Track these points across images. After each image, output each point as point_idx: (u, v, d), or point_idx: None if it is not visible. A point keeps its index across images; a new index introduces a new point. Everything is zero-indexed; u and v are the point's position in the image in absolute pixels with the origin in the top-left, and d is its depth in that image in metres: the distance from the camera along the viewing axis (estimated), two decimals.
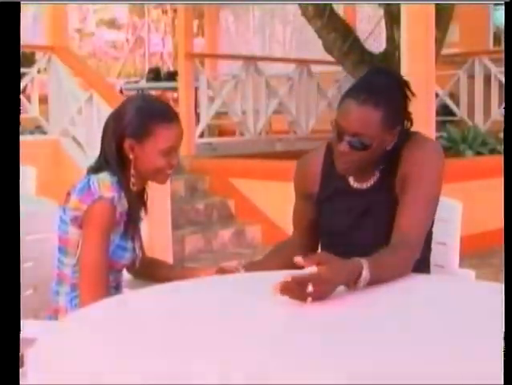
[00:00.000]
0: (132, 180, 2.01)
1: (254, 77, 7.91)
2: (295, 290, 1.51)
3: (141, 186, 2.09)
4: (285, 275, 1.53)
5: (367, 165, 1.98)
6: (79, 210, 1.94)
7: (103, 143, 2.05)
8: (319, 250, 2.15)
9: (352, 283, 1.63)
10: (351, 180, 2.04)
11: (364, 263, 1.64)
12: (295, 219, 2.23)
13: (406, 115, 1.99)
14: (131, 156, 2.00)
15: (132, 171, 2.01)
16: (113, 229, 1.97)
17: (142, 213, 2.14)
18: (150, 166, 2.01)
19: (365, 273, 1.63)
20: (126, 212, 2.01)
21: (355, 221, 2.02)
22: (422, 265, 1.95)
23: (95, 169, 2.01)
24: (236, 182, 6.27)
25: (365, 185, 2.02)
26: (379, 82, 1.96)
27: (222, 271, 2.06)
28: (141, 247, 2.17)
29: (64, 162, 5.92)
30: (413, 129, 2.05)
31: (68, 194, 2.00)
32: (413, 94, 1.99)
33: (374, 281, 1.66)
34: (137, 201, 2.08)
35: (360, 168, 1.98)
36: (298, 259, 1.57)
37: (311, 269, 1.56)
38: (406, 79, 2.01)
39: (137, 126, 1.99)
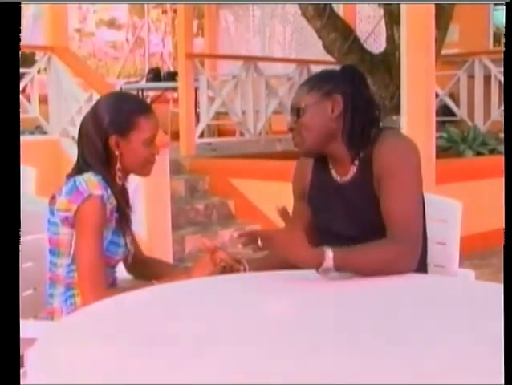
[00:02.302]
0: (119, 174, 2.05)
1: (254, 77, 7.90)
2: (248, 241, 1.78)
3: (124, 182, 2.12)
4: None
5: (324, 140, 2.02)
6: (70, 211, 1.95)
7: (81, 146, 2.08)
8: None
9: (315, 269, 1.74)
10: (333, 173, 2.08)
11: (329, 253, 1.73)
12: (294, 221, 2.23)
13: (364, 99, 2.04)
14: (116, 152, 2.03)
15: (119, 165, 2.04)
16: (105, 226, 1.99)
17: (129, 209, 2.16)
18: (136, 158, 2.06)
19: (326, 264, 1.73)
20: (115, 209, 2.02)
21: (339, 216, 2.05)
22: (419, 265, 1.95)
23: (77, 172, 2.03)
24: (236, 182, 6.27)
25: (344, 179, 2.05)
26: (328, 71, 2.17)
27: (225, 269, 2.06)
28: (134, 243, 2.19)
29: (64, 162, 5.90)
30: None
31: (53, 197, 2.01)
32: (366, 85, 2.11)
33: (344, 269, 1.75)
34: (122, 197, 2.10)
35: (312, 143, 2.03)
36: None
37: None
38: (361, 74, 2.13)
39: (119, 121, 2.03)
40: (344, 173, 2.05)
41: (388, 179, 1.93)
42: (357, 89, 2.04)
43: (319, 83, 2.05)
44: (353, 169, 2.03)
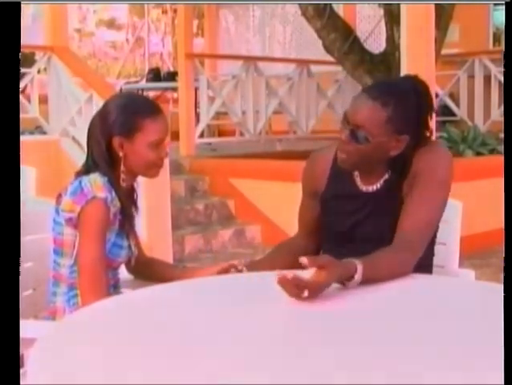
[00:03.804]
0: (122, 176, 2.03)
1: (254, 77, 7.90)
2: (292, 289, 1.56)
3: (130, 183, 2.11)
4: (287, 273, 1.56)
5: (370, 166, 1.98)
6: (74, 212, 1.95)
7: (89, 146, 2.07)
8: (322, 250, 2.16)
9: (344, 283, 1.66)
10: (358, 181, 2.03)
11: (358, 265, 1.66)
12: (300, 217, 2.22)
13: (423, 128, 1.98)
14: (120, 154, 2.02)
15: (122, 167, 2.03)
16: (108, 228, 1.98)
17: (134, 211, 2.15)
18: (141, 160, 2.04)
19: (357, 277, 1.66)
20: (119, 211, 2.02)
21: (357, 222, 2.02)
22: (424, 267, 1.95)
23: (84, 172, 2.02)
24: (236, 182, 6.27)
25: (371, 188, 2.02)
26: (401, 86, 1.96)
27: (224, 271, 2.06)
28: (137, 245, 2.18)
29: (64, 162, 5.91)
30: None
31: (59, 196, 2.01)
32: (434, 109, 1.99)
33: (368, 282, 1.68)
34: (128, 199, 2.09)
35: (359, 165, 1.98)
36: (303, 260, 1.60)
37: (311, 272, 1.60)
38: (431, 93, 1.99)
39: (124, 122, 2.01)
40: (371, 182, 2.01)
41: (416, 186, 1.91)
42: (424, 126, 1.97)
43: (398, 115, 1.89)
44: (383, 178, 2.00)
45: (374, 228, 2.00)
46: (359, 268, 1.65)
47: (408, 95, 1.93)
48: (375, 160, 1.96)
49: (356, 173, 2.04)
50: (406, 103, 1.92)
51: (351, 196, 2.04)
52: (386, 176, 2.00)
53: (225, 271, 2.06)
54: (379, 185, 2.01)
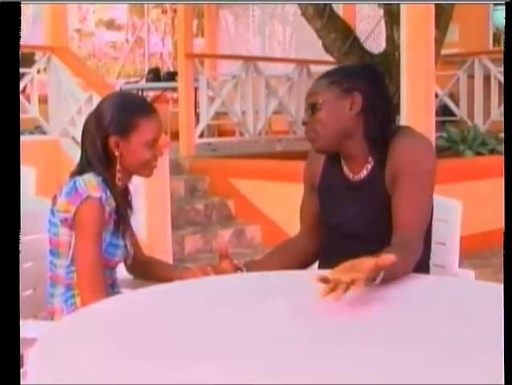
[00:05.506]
0: (118, 175, 2.04)
1: (254, 77, 7.90)
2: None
3: (125, 183, 2.11)
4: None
5: (339, 138, 1.99)
6: (69, 212, 1.95)
7: (84, 146, 2.08)
8: (322, 251, 2.16)
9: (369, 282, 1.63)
10: (346, 170, 2.06)
11: (381, 270, 1.63)
12: (302, 213, 2.25)
13: (385, 104, 2.02)
14: (116, 153, 2.02)
15: (118, 166, 2.03)
16: (104, 227, 1.98)
17: (129, 211, 2.15)
18: (137, 160, 2.04)
19: (378, 280, 1.63)
20: (114, 211, 2.02)
21: (349, 214, 2.03)
22: (422, 266, 1.95)
23: (79, 172, 2.03)
24: (236, 182, 6.27)
25: (358, 177, 2.03)
26: (349, 65, 2.06)
27: (223, 270, 2.06)
28: (134, 244, 2.18)
29: (64, 162, 5.90)
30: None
31: (55, 197, 2.01)
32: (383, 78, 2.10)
33: (384, 282, 1.66)
34: (123, 199, 2.10)
35: (328, 140, 2.00)
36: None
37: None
38: (384, 77, 2.13)
39: (120, 122, 2.02)
40: (357, 171, 2.03)
41: (402, 180, 1.92)
42: (377, 88, 2.01)
43: (339, 78, 2.00)
44: (367, 168, 2.01)
45: (367, 222, 2.00)
46: (381, 273, 1.63)
47: (354, 67, 2.16)
48: (339, 127, 1.98)
49: (343, 163, 2.07)
50: (350, 70, 2.07)
51: (341, 186, 2.06)
52: (369, 166, 2.01)
53: (225, 264, 2.06)
54: (364, 173, 2.02)
